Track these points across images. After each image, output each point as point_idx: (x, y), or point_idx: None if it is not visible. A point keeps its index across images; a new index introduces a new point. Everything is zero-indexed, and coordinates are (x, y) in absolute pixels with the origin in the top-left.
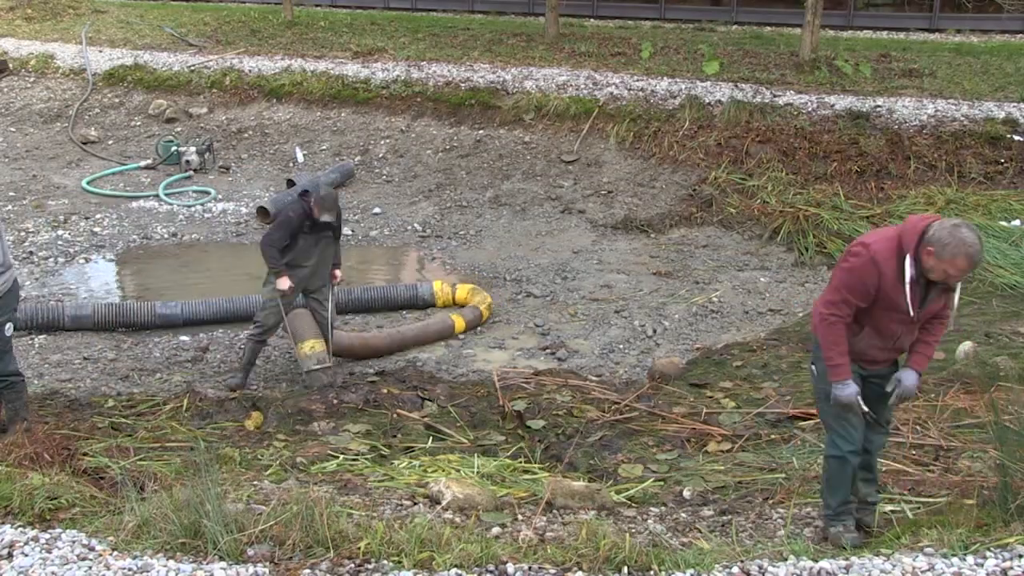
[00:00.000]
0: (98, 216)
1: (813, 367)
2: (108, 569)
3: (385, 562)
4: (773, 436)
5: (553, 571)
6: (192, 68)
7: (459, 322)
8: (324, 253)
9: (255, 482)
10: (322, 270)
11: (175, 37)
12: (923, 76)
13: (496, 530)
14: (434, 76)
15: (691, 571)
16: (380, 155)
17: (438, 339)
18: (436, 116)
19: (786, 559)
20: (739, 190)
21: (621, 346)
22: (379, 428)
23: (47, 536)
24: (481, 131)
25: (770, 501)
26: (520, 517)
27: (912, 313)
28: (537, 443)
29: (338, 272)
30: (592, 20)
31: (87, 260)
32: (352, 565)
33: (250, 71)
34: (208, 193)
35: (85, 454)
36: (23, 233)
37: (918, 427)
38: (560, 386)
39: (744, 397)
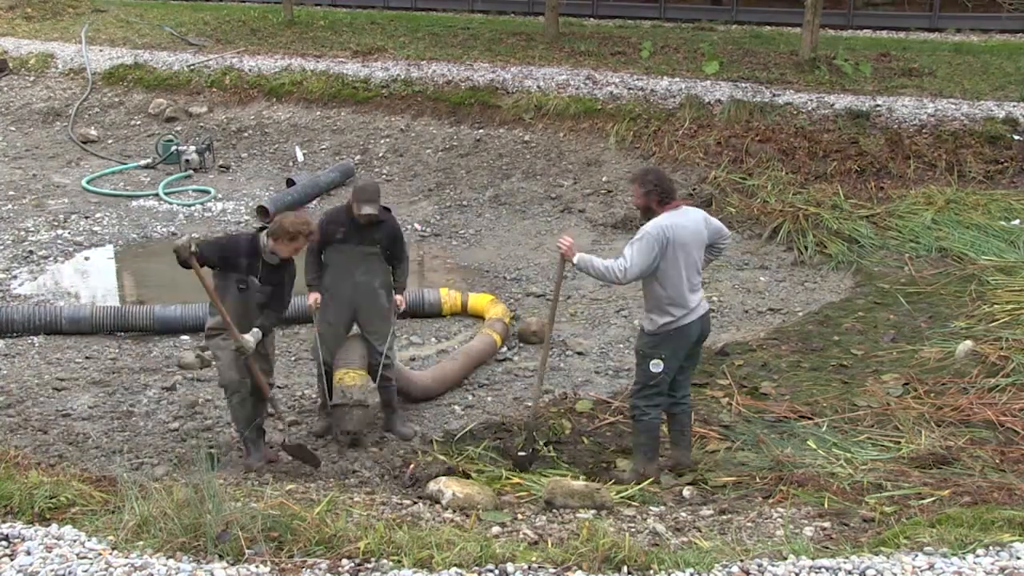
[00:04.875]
0: (98, 215)
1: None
2: (108, 568)
3: (385, 561)
4: (773, 436)
5: (553, 570)
6: (192, 67)
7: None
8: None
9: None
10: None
11: (175, 36)
12: (923, 75)
13: (496, 529)
14: (434, 75)
15: (690, 570)
16: (380, 154)
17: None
18: (436, 115)
19: (786, 558)
20: (739, 189)
21: (621, 345)
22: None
23: (47, 535)
24: (481, 130)
25: (770, 501)
26: (520, 516)
27: None
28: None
29: (398, 297)
30: (592, 19)
31: (87, 259)
32: (352, 564)
33: (250, 70)
34: (208, 192)
35: None
36: (23, 232)
37: (919, 427)
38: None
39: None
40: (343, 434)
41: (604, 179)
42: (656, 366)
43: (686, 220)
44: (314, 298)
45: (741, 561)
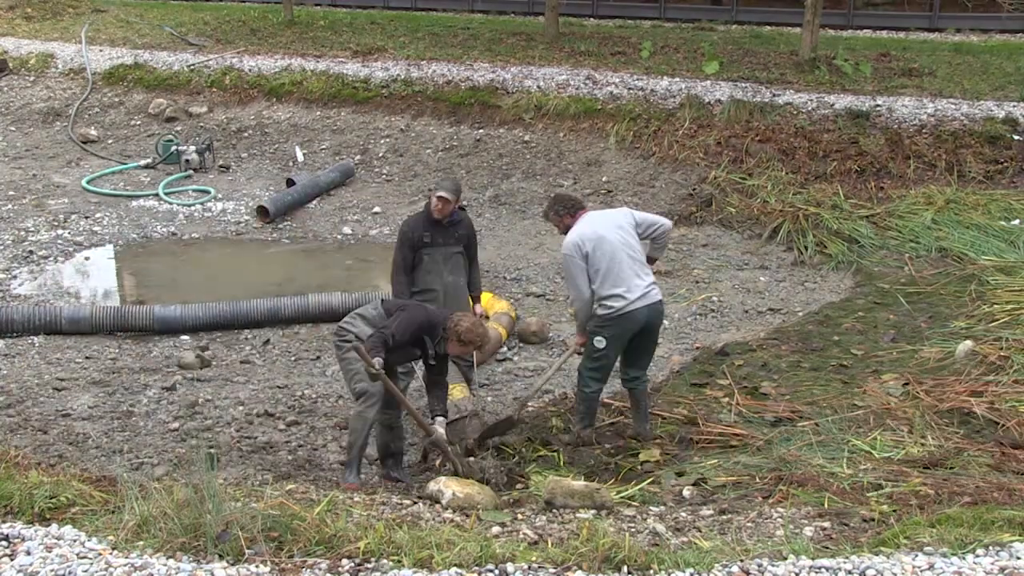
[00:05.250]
0: (98, 215)
1: None
2: (108, 568)
3: (385, 561)
4: (773, 436)
5: (553, 570)
6: (192, 67)
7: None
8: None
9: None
10: (455, 295)
11: (175, 36)
12: (923, 75)
13: (496, 529)
14: (434, 75)
15: (690, 570)
16: (380, 154)
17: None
18: (436, 115)
19: (785, 558)
20: (739, 189)
21: None
22: None
23: (48, 535)
24: (481, 130)
25: (770, 501)
26: (520, 516)
27: None
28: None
29: (479, 307)
30: (592, 19)
31: (87, 259)
32: (352, 564)
33: (250, 70)
34: (208, 192)
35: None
36: (23, 232)
37: (922, 429)
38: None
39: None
40: (464, 444)
41: (604, 179)
42: (600, 342)
43: (597, 222)
44: None
45: (741, 561)
